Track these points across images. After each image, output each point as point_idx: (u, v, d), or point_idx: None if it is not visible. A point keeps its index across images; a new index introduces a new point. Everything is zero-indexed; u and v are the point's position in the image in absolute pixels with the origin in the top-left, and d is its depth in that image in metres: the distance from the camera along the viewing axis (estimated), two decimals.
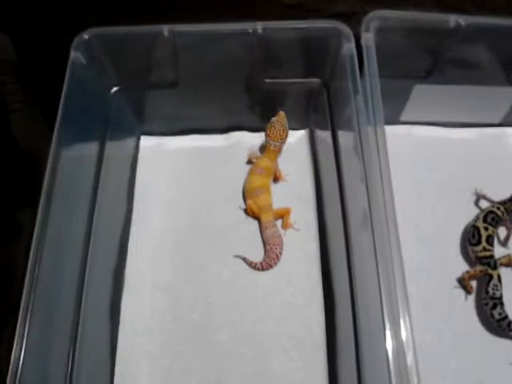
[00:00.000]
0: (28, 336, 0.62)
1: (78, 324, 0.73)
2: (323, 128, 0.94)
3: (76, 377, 0.70)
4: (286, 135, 0.94)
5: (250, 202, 0.92)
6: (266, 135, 0.94)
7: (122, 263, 0.88)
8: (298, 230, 0.91)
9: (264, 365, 0.80)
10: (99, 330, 0.81)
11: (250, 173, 0.95)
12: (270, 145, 0.93)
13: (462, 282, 0.83)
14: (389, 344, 0.58)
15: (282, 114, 0.94)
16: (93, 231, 0.80)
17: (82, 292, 0.75)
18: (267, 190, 0.93)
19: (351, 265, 0.75)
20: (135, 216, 0.93)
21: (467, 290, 0.83)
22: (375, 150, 0.69)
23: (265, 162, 0.94)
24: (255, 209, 0.91)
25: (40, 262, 0.66)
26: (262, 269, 0.87)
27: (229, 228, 0.92)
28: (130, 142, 1.01)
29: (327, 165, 0.93)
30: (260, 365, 0.80)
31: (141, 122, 1.01)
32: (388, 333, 0.58)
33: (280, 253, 0.88)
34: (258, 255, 0.89)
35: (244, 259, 0.88)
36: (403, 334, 0.57)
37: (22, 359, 0.60)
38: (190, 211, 0.94)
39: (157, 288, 0.86)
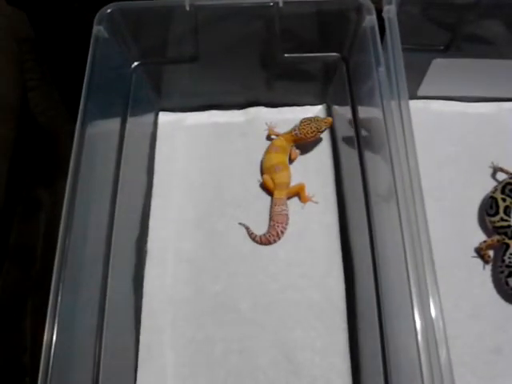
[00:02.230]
0: (60, 309, 0.63)
1: (105, 296, 0.75)
2: (341, 103, 0.95)
3: (104, 346, 0.72)
4: (312, 137, 0.95)
5: (266, 176, 0.93)
6: (300, 123, 0.95)
7: (144, 236, 0.90)
8: (316, 202, 0.93)
9: (286, 333, 0.82)
10: (124, 301, 0.84)
11: (267, 151, 0.96)
12: (294, 131, 0.95)
13: (480, 252, 0.85)
14: (417, 319, 0.58)
15: (329, 121, 0.95)
16: (117, 204, 0.81)
17: (108, 264, 0.77)
18: (286, 168, 0.94)
19: (373, 236, 0.76)
20: (156, 190, 0.95)
21: (485, 259, 0.84)
22: (399, 123, 0.69)
23: (280, 142, 0.96)
24: (270, 184, 0.93)
25: (69, 235, 0.67)
26: (261, 243, 0.89)
27: (247, 201, 0.94)
28: (149, 117, 1.01)
29: (346, 139, 0.94)
30: (282, 333, 0.82)
31: (160, 98, 1.02)
32: (416, 306, 0.59)
33: (281, 231, 0.89)
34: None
35: (247, 228, 0.90)
36: (432, 309, 0.58)
37: (55, 330, 0.61)
38: (209, 185, 0.96)
39: (179, 259, 0.88)
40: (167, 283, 0.87)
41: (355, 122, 0.88)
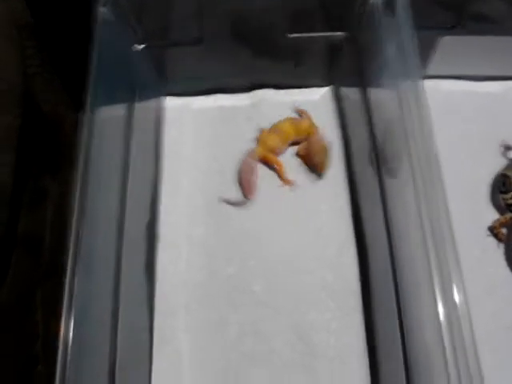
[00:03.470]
0: (75, 298, 0.61)
1: (118, 282, 0.74)
2: (350, 84, 0.94)
3: (120, 333, 0.71)
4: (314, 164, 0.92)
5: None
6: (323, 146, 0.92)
7: (155, 221, 0.89)
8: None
9: (300, 315, 0.82)
10: (138, 287, 0.83)
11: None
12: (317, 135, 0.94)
13: (494, 230, 0.85)
14: (439, 300, 0.58)
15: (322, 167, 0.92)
16: (128, 191, 0.80)
17: (120, 251, 0.75)
18: (284, 138, 0.93)
19: (387, 215, 0.75)
20: (164, 176, 0.94)
21: (498, 237, 0.84)
22: (414, 102, 0.68)
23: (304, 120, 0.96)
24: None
25: (82, 223, 0.65)
26: (247, 198, 0.89)
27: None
28: (156, 102, 1.00)
29: (355, 120, 0.92)
30: (296, 315, 0.82)
31: (166, 82, 1.00)
32: (437, 286, 0.58)
33: (254, 180, 0.90)
34: (285, 209, 0.90)
35: (228, 201, 0.90)
36: (454, 289, 0.58)
37: (72, 319, 0.60)
38: (215, 170, 0.95)
39: (191, 243, 0.88)
40: (180, 268, 0.86)
41: (366, 103, 0.86)
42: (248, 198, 0.90)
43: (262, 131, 0.95)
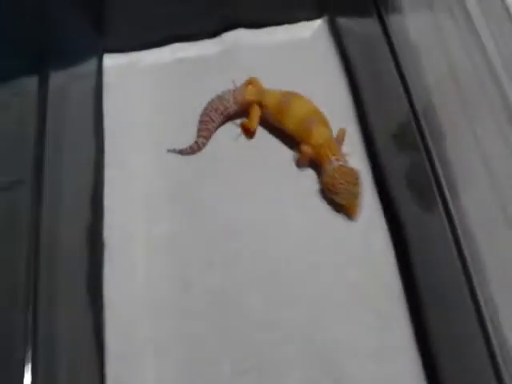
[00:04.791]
0: None
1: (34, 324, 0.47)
2: (353, 11, 0.68)
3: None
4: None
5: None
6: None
7: (98, 222, 0.63)
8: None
9: (320, 335, 0.57)
10: (77, 318, 0.57)
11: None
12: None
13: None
14: None
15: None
16: (45, 185, 0.54)
17: (37, 269, 0.49)
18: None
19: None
20: (109, 158, 0.68)
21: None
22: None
23: None
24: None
25: None
26: (202, 140, 0.68)
27: (232, 154, 0.69)
28: (90, 64, 0.74)
29: (365, 63, 0.69)
30: (314, 335, 0.57)
31: (102, 35, 0.76)
32: None
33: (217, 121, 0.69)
34: (258, 177, 0.67)
35: (178, 150, 0.69)
36: None
37: None
38: (182, 140, 0.69)
39: (153, 247, 0.62)
40: (138, 284, 0.60)
41: (386, 37, 0.60)
42: (203, 140, 0.68)
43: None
